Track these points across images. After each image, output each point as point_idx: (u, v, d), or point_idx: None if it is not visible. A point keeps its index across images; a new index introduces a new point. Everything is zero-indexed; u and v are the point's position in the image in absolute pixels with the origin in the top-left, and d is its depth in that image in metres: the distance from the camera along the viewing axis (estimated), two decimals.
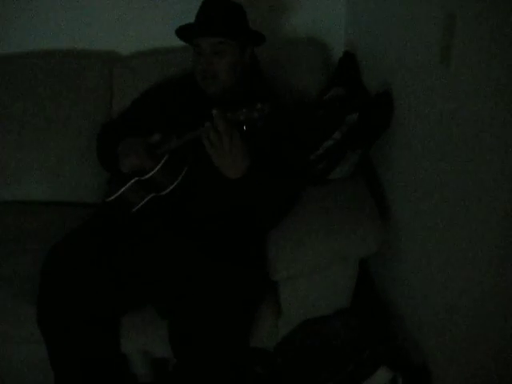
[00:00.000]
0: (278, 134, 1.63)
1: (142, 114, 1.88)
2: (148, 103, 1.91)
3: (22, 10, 2.17)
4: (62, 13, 2.18)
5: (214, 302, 1.50)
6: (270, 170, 1.58)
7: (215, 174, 1.51)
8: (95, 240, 1.65)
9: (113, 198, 1.65)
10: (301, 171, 1.75)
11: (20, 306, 1.67)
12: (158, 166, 1.56)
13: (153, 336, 1.67)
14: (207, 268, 1.55)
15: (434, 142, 1.46)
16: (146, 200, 1.66)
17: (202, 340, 1.51)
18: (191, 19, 1.76)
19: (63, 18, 2.19)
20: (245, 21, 1.76)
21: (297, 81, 2.07)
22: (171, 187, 1.59)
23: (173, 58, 2.13)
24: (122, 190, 1.63)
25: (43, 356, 1.63)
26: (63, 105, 2.07)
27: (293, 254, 1.62)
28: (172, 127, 1.70)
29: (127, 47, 2.27)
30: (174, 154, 1.59)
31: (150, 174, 1.57)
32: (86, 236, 1.66)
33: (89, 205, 2.07)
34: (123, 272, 1.62)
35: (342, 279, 1.77)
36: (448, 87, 1.34)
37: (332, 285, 1.77)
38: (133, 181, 1.62)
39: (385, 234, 1.66)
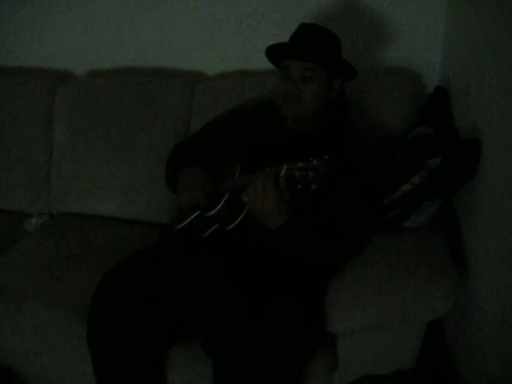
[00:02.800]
0: (339, 188, 1.53)
1: (214, 137, 1.85)
2: (222, 127, 1.87)
3: (112, 27, 2.22)
4: (151, 30, 2.21)
5: (265, 347, 1.41)
6: (319, 222, 1.52)
7: None
8: (149, 268, 1.62)
9: (180, 226, 1.67)
10: (372, 217, 1.62)
11: (71, 322, 1.67)
12: (219, 206, 1.55)
13: (198, 372, 1.60)
14: (262, 309, 1.46)
15: None
16: (211, 230, 1.64)
17: None
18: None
19: (151, 36, 2.22)
20: (339, 52, 1.68)
21: (383, 113, 1.95)
22: (234, 224, 1.55)
23: (256, 81, 2.09)
24: (188, 221, 1.65)
25: (90, 373, 1.61)
26: (142, 123, 2.08)
27: (352, 308, 1.49)
28: (241, 155, 1.68)
29: (213, 67, 2.25)
30: (235, 192, 1.55)
31: (212, 213, 1.56)
32: (141, 263, 1.63)
33: (158, 224, 2.06)
34: (174, 302, 1.57)
35: (407, 338, 1.61)
36: None
37: (395, 343, 1.61)
38: (195, 214, 1.63)
39: (458, 297, 1.49)
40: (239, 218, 1.55)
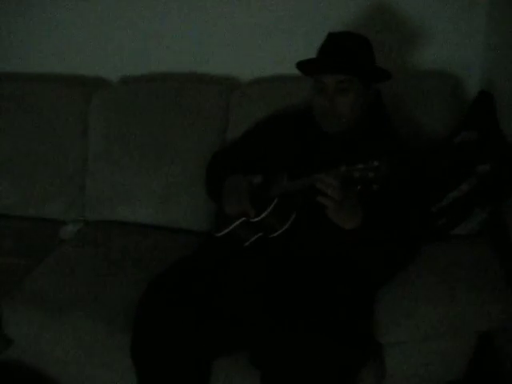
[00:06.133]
0: (395, 190, 1.49)
1: (253, 146, 1.82)
2: (261, 136, 1.84)
3: (144, 33, 2.21)
4: (185, 35, 2.20)
5: (314, 360, 1.38)
6: (386, 222, 1.47)
7: (326, 221, 1.41)
8: (196, 276, 1.61)
9: (222, 234, 1.64)
10: (421, 224, 1.59)
11: (113, 333, 1.66)
12: (267, 211, 1.50)
13: None
14: (310, 321, 1.44)
15: None
16: (254, 238, 1.61)
17: None
18: (315, 46, 1.65)
19: (186, 41, 2.20)
20: (371, 56, 1.64)
21: (424, 119, 1.91)
22: (280, 231, 1.52)
23: (293, 86, 2.05)
24: (230, 228, 1.61)
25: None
26: (177, 130, 2.06)
27: (403, 319, 1.46)
28: (284, 163, 1.65)
29: (248, 73, 2.23)
30: (283, 198, 1.51)
31: (258, 219, 1.52)
32: (188, 271, 1.63)
33: (195, 233, 2.04)
34: (221, 312, 1.55)
35: (457, 349, 1.57)
36: None
37: (445, 354, 1.57)
38: (240, 221, 1.59)
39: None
40: (286, 225, 1.52)
